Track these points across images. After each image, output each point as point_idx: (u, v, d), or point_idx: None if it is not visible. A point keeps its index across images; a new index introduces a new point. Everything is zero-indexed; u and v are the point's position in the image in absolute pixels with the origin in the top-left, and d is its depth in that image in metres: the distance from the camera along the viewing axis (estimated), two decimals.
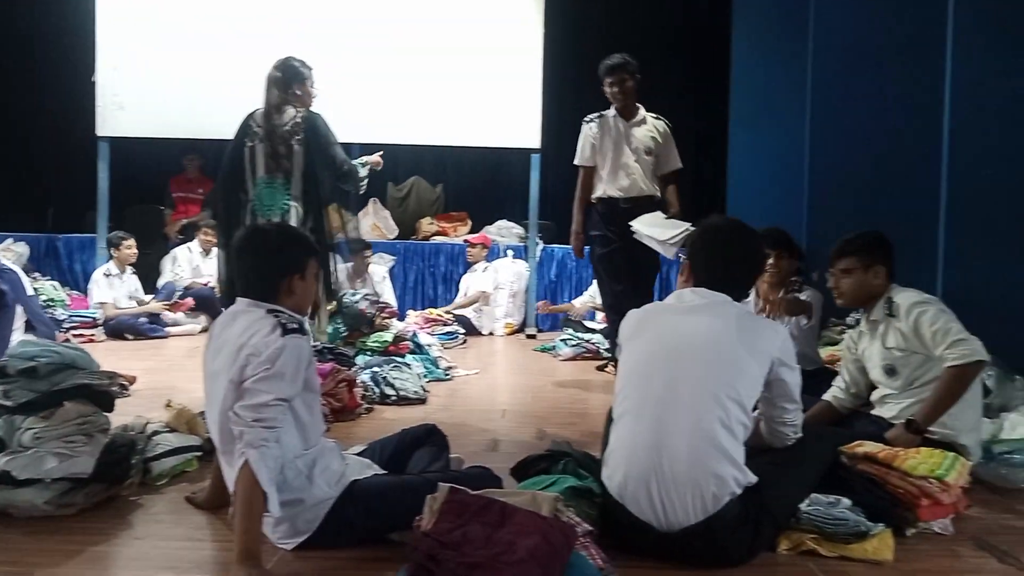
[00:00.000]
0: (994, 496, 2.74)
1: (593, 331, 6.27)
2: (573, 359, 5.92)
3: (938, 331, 2.70)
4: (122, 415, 2.97)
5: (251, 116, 3.79)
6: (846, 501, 2.22)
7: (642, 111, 4.83)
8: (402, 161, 8.72)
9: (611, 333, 4.94)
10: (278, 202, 3.70)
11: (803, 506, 2.20)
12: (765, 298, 3.73)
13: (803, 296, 3.76)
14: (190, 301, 6.73)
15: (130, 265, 6.78)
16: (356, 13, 6.94)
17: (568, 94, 8.71)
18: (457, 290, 7.33)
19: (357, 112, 6.76)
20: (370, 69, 6.83)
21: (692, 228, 4.13)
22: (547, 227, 7.99)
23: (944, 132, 3.87)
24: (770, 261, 3.71)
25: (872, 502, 2.27)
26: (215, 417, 2.14)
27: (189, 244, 7.25)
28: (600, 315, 6.74)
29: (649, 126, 4.79)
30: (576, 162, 4.88)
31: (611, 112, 4.82)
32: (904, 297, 2.85)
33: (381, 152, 4.37)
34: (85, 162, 7.28)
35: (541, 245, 7.59)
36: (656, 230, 4.40)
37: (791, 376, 2.20)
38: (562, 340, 6.16)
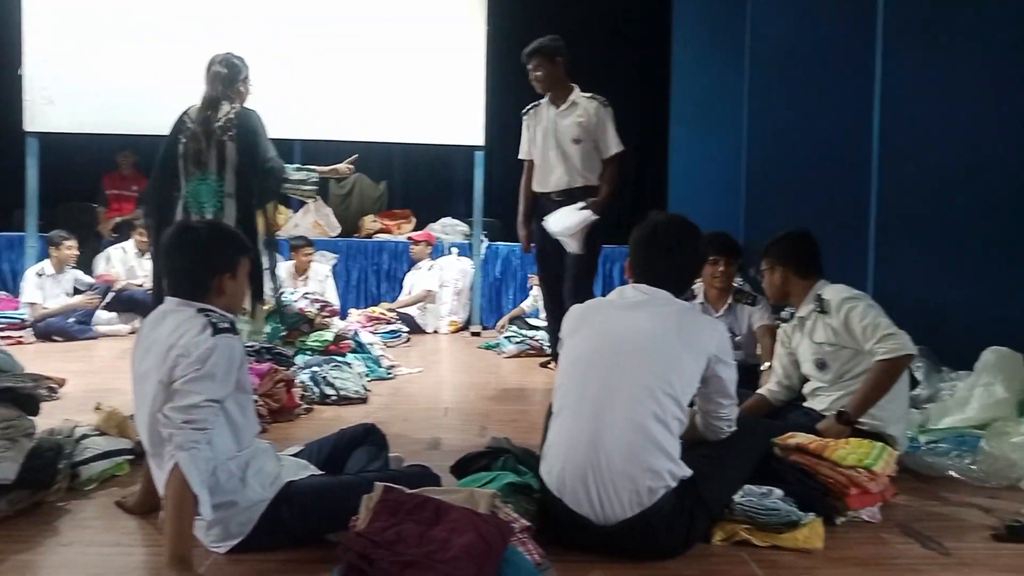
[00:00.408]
0: (920, 484, 2.84)
1: (537, 328, 6.30)
2: (517, 356, 5.93)
3: (868, 326, 2.78)
4: (50, 418, 2.88)
5: (187, 112, 3.73)
6: (778, 492, 2.27)
7: (574, 95, 4.45)
8: (345, 158, 8.61)
9: (552, 330, 4.76)
10: (212, 199, 3.66)
11: (737, 497, 2.24)
12: (715, 305, 3.81)
13: (764, 316, 3.80)
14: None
15: (69, 266, 6.58)
16: (298, 8, 6.84)
17: (512, 91, 8.71)
18: (401, 288, 7.28)
19: (300, 109, 6.67)
20: (312, 65, 6.74)
21: (595, 218, 4.27)
22: (492, 224, 7.99)
23: (874, 134, 3.99)
24: (720, 268, 3.78)
25: (803, 492, 2.32)
26: (144, 419, 2.09)
27: (123, 244, 7.05)
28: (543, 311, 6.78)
29: (579, 110, 4.42)
30: (520, 156, 4.80)
31: (544, 100, 4.56)
32: (833, 293, 2.93)
33: (352, 160, 4.33)
34: (13, 158, 7.02)
35: (486, 243, 7.59)
36: (560, 224, 4.31)
37: (727, 372, 2.24)
38: (506, 338, 6.17)
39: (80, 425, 2.85)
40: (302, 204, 7.81)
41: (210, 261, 2.16)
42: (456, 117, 6.97)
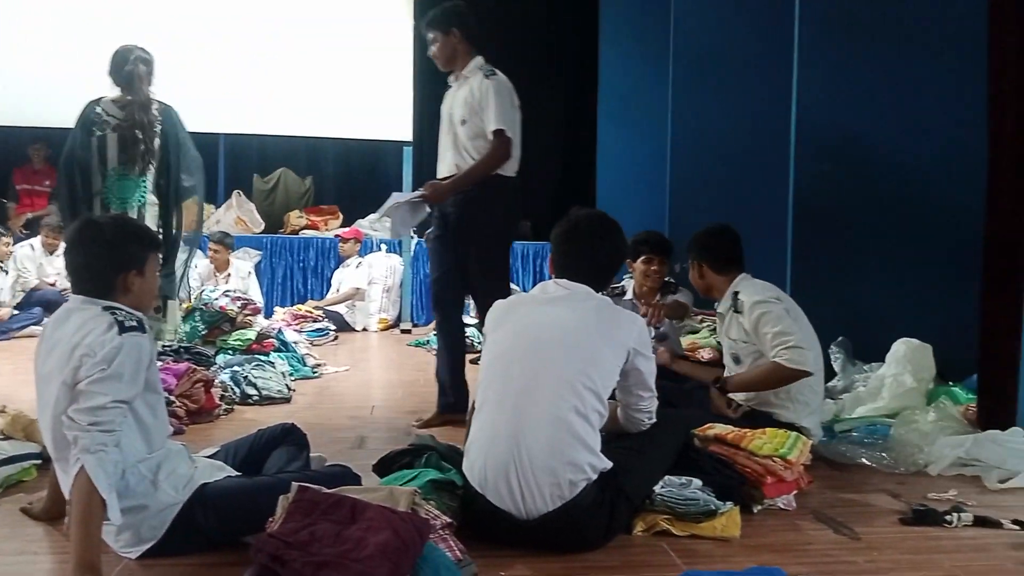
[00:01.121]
0: (834, 472, 2.93)
1: (468, 325, 6.28)
2: None
3: (776, 335, 2.83)
4: None
5: (97, 103, 3.65)
6: (697, 482, 2.31)
7: (468, 69, 3.70)
8: (270, 152, 8.46)
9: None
10: (134, 195, 3.65)
11: (657, 488, 2.27)
12: (647, 302, 3.86)
13: (680, 297, 3.91)
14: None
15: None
16: (226, 2, 6.68)
17: (441, 87, 8.69)
18: (329, 285, 7.17)
19: (225, 103, 6.52)
20: (239, 59, 6.61)
21: (401, 201, 3.59)
22: (421, 222, 7.93)
23: (791, 132, 4.11)
24: (653, 267, 3.86)
25: (721, 481, 2.37)
26: (48, 423, 2.00)
27: (32, 241, 6.74)
28: (473, 309, 6.76)
29: (471, 85, 3.64)
30: None
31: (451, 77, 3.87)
32: (749, 293, 2.98)
33: None
34: None
35: (415, 239, 7.54)
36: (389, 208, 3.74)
37: (647, 365, 2.27)
38: (435, 334, 6.13)
39: None
40: (225, 199, 7.64)
41: (114, 258, 2.08)
42: (385, 112, 6.92)
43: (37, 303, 6.32)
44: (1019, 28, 3.19)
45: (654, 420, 2.36)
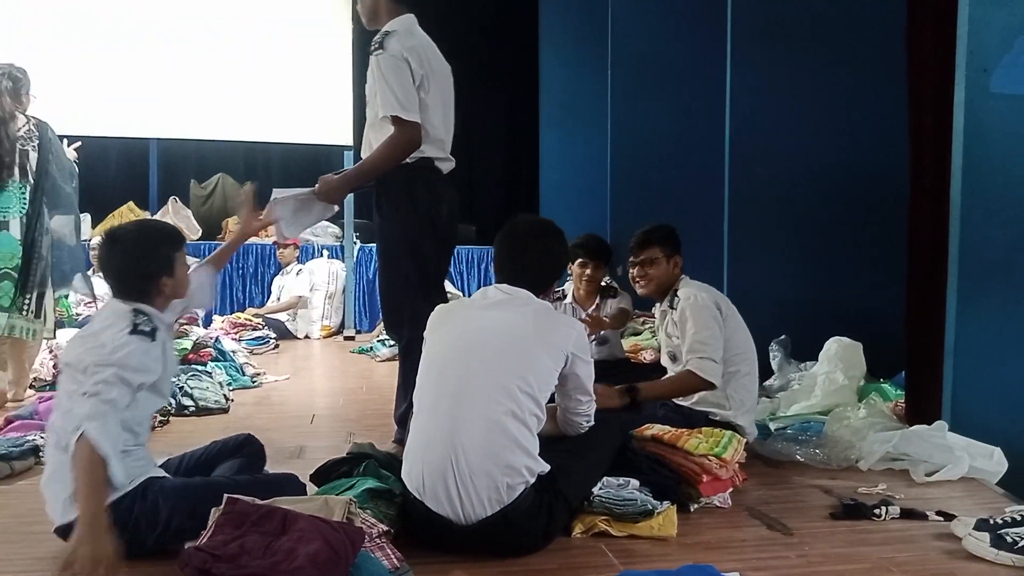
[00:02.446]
0: (769, 469, 2.99)
1: None
2: (391, 360, 5.85)
3: (696, 342, 2.90)
4: None
5: None
6: (634, 482, 2.34)
7: (385, 30, 2.98)
8: (207, 158, 8.30)
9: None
10: (16, 203, 3.94)
11: (595, 490, 2.29)
12: (586, 309, 3.89)
13: (621, 302, 3.94)
14: None
15: None
16: (160, 6, 6.53)
17: None
18: (269, 292, 7.06)
19: (157, 106, 6.37)
20: (172, 62, 6.45)
21: (281, 197, 2.95)
22: (364, 226, 7.86)
23: (726, 136, 4.20)
24: (587, 271, 3.89)
25: (658, 481, 2.40)
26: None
27: None
28: None
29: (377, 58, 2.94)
30: None
31: None
32: (685, 292, 3.03)
33: (77, 145, 4.55)
34: None
35: (358, 244, 7.47)
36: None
37: (584, 369, 2.28)
38: (380, 341, 6.09)
39: None
40: (160, 206, 7.47)
41: (145, 268, 2.17)
42: (324, 116, 6.84)
43: None
44: (935, 32, 3.31)
45: (592, 423, 2.38)
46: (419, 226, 2.95)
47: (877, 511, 2.42)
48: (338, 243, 7.47)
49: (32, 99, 4.12)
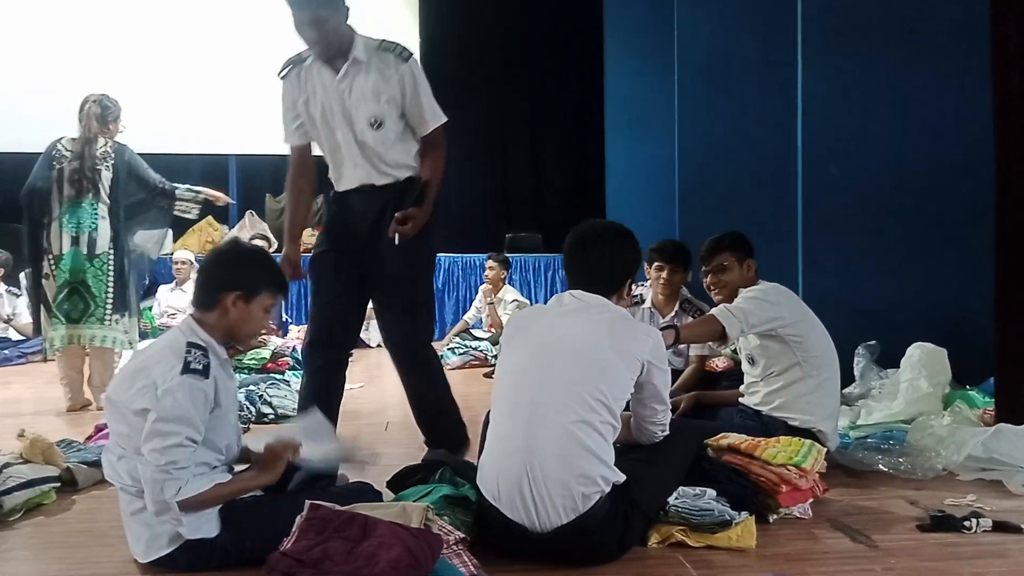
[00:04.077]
0: (850, 479, 2.91)
1: (480, 339, 6.30)
2: (461, 367, 5.92)
3: (739, 299, 2.92)
4: None
5: (58, 141, 4.31)
6: (711, 492, 2.31)
7: (359, 48, 2.84)
8: (282, 172, 8.51)
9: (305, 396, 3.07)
10: (88, 219, 4.24)
11: (671, 499, 2.27)
12: (662, 311, 3.85)
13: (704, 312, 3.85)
14: None
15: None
16: (238, 27, 6.76)
17: (447, 102, 8.73)
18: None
19: (235, 124, 6.60)
20: (249, 81, 6.67)
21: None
22: None
23: (797, 138, 4.11)
24: (663, 275, 3.85)
25: (735, 491, 2.36)
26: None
27: None
28: (487, 322, 6.78)
29: (375, 71, 2.83)
30: (285, 140, 3.11)
31: (309, 57, 2.90)
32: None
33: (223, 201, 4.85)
34: None
35: None
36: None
37: (661, 378, 2.25)
38: (449, 349, 6.16)
39: (3, 453, 2.75)
40: (238, 220, 7.72)
41: (223, 273, 2.16)
42: None
43: None
44: (1021, 27, 3.18)
45: (667, 433, 2.35)
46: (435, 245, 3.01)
47: (967, 523, 2.33)
48: None
49: (121, 130, 4.41)
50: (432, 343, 3.08)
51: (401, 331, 2.94)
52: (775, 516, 2.44)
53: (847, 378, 3.83)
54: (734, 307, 2.87)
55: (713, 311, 2.91)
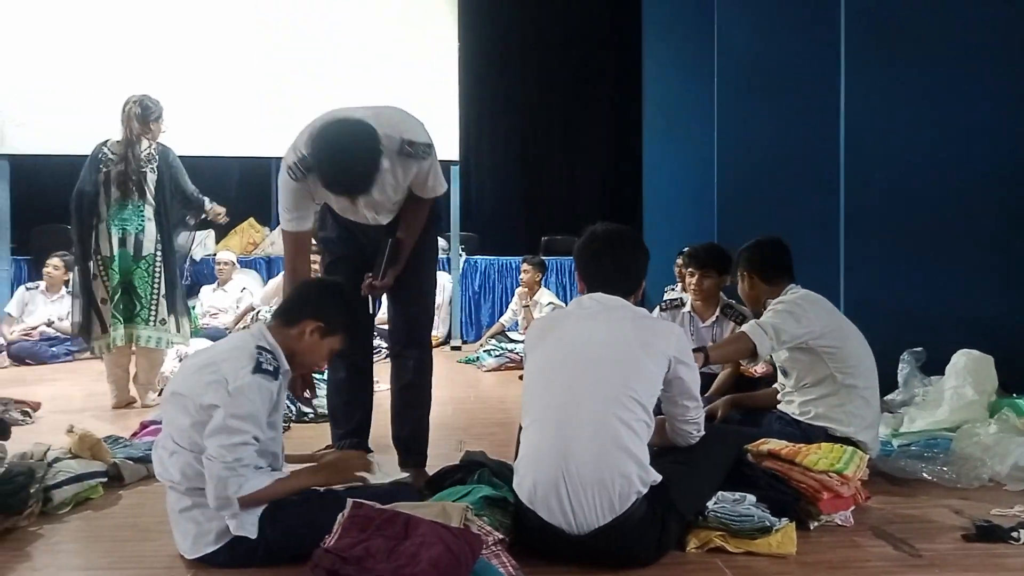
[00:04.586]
0: (893, 487, 2.86)
1: (517, 341, 6.31)
2: (497, 369, 5.95)
3: (770, 313, 2.90)
4: (22, 443, 2.86)
5: (104, 144, 4.38)
6: (751, 498, 2.29)
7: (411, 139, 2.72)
8: None
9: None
10: (134, 221, 4.33)
11: (710, 504, 2.26)
12: (701, 316, 3.83)
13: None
14: None
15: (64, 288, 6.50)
16: (281, 29, 6.86)
17: (485, 105, 8.78)
18: (381, 303, 7.26)
19: (276, 128, 6.68)
20: (285, 82, 6.76)
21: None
22: (469, 239, 8.02)
23: (840, 141, 4.06)
24: (694, 280, 3.83)
25: (776, 497, 2.34)
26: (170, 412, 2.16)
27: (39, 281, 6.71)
28: (523, 324, 6.79)
29: (397, 172, 2.72)
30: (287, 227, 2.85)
31: None
32: (784, 296, 2.97)
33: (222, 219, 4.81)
34: None
35: (464, 257, 7.61)
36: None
37: (689, 374, 2.25)
38: (486, 351, 6.18)
39: (52, 448, 2.83)
40: (279, 222, 7.82)
41: (317, 304, 2.26)
42: (430, 132, 6.99)
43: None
44: None
45: (703, 432, 2.34)
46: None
47: (1015, 534, 2.29)
48: (444, 255, 7.62)
49: (163, 130, 4.46)
50: (431, 333, 3.15)
51: (409, 317, 3.00)
52: (816, 523, 2.41)
53: (890, 385, 3.77)
54: (765, 323, 2.85)
55: (744, 328, 2.92)
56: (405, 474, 2.55)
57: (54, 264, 6.45)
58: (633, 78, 8.06)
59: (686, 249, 5.36)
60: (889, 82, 3.99)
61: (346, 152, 2.39)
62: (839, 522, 2.45)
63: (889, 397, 3.79)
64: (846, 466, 2.47)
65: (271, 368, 2.10)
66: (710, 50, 5.78)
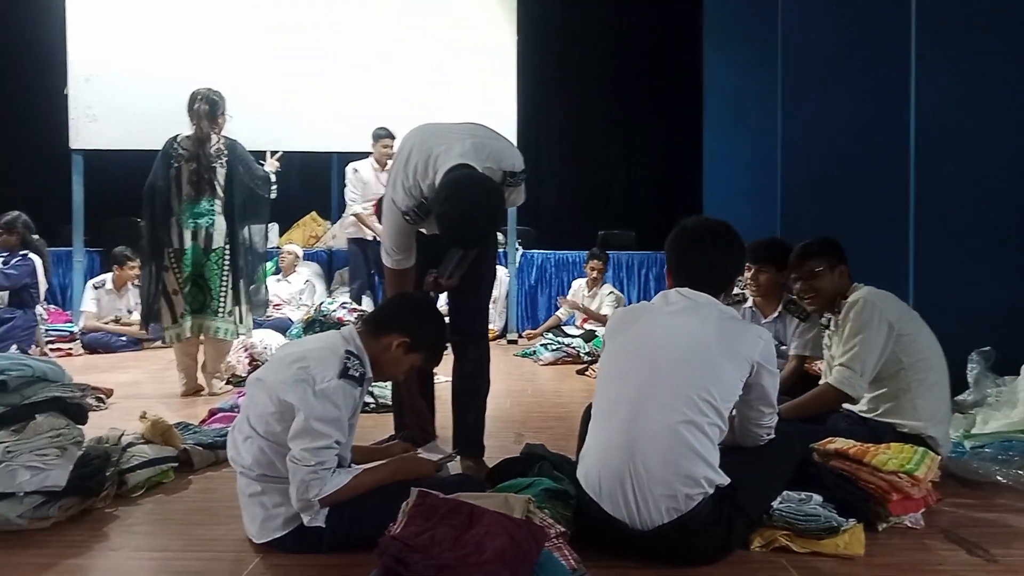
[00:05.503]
0: (966, 489, 2.78)
1: (572, 336, 6.30)
2: (554, 363, 5.95)
3: (848, 349, 2.79)
4: (97, 428, 2.96)
5: (175, 139, 4.47)
6: (817, 497, 2.25)
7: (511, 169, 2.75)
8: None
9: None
10: (205, 216, 4.43)
11: (775, 503, 2.22)
12: (763, 312, 3.75)
13: (808, 332, 3.68)
14: None
15: (132, 283, 6.71)
16: (341, 26, 6.96)
17: (543, 99, 8.76)
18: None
19: (337, 123, 6.80)
20: (349, 81, 6.87)
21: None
22: (526, 233, 8.02)
23: (911, 133, 3.94)
24: (750, 275, 3.75)
25: (843, 497, 2.29)
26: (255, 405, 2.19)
27: (105, 276, 6.91)
28: (580, 318, 6.78)
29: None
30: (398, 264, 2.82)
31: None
32: (854, 297, 2.88)
33: (279, 155, 4.95)
34: (59, 175, 7.24)
35: (520, 250, 7.62)
36: None
37: (770, 381, 2.19)
38: (543, 345, 6.18)
39: (127, 434, 2.92)
40: (339, 215, 7.95)
41: (405, 319, 2.29)
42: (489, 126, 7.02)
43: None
44: None
45: (772, 436, 2.30)
46: None
47: None
48: (501, 249, 7.64)
49: (228, 118, 4.55)
50: (489, 326, 3.21)
51: (471, 311, 3.02)
52: (884, 525, 2.35)
53: (960, 385, 3.65)
54: (849, 362, 2.76)
55: (828, 380, 2.83)
56: (451, 452, 2.65)
57: (129, 264, 6.63)
58: (693, 69, 7.95)
59: (748, 244, 5.25)
60: (963, 70, 3.85)
61: (474, 210, 2.42)
62: (909, 524, 2.38)
63: (960, 397, 3.67)
64: (917, 467, 2.40)
65: (357, 374, 2.13)
66: (773, 38, 5.65)
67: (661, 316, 2.22)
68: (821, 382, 3.09)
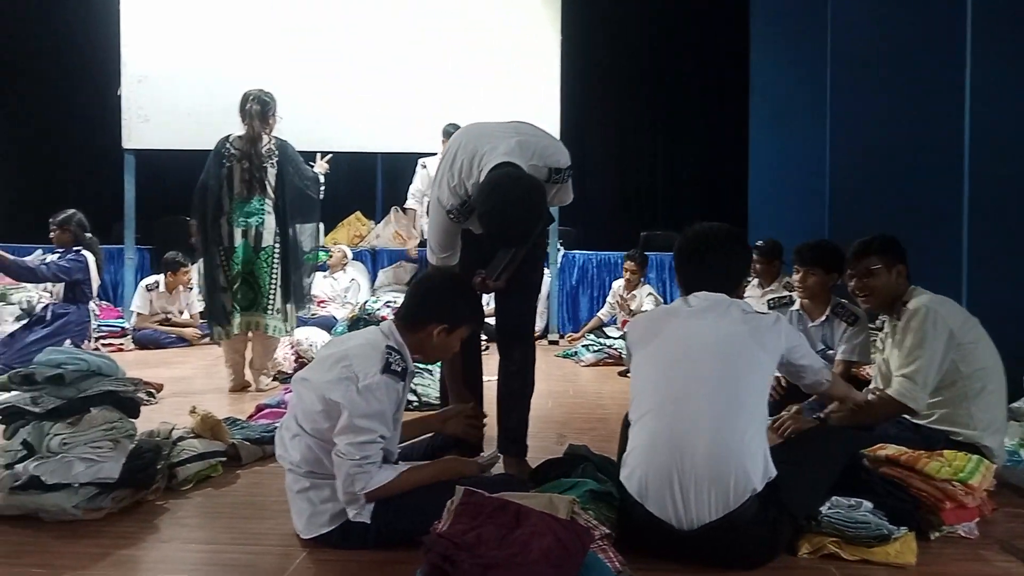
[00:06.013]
0: (1022, 500, 2.70)
1: (614, 337, 6.26)
2: (595, 365, 5.92)
3: (910, 360, 2.72)
4: (148, 422, 3.02)
5: (227, 139, 4.53)
6: (868, 504, 2.21)
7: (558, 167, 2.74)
8: None
9: None
10: (255, 215, 4.50)
11: (824, 509, 2.18)
12: (811, 315, 3.70)
13: (856, 338, 3.61)
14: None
15: (186, 287, 6.84)
16: (388, 27, 7.03)
17: (586, 99, 8.73)
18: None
19: (381, 124, 6.88)
20: (395, 82, 6.93)
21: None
22: (568, 233, 8.00)
23: (965, 132, 3.84)
24: (798, 276, 3.70)
25: (894, 505, 2.25)
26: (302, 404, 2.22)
27: (158, 277, 6.97)
28: (621, 319, 6.74)
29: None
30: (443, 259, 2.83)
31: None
32: (916, 303, 2.80)
33: (328, 157, 5.06)
34: (112, 174, 7.42)
35: (562, 251, 7.60)
36: None
37: (800, 352, 2.32)
38: (584, 346, 6.16)
39: (177, 428, 2.99)
40: (384, 215, 8.04)
41: (435, 307, 2.31)
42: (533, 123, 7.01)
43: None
44: None
45: (829, 375, 2.45)
46: None
47: None
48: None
49: (279, 119, 4.63)
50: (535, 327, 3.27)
51: (518, 312, 3.04)
52: (937, 534, 2.30)
53: (1016, 391, 3.55)
54: (912, 374, 2.70)
55: (890, 392, 2.77)
56: (495, 452, 2.70)
57: (183, 270, 6.76)
58: (739, 68, 7.85)
59: (759, 243, 5.20)
60: (1019, 68, 3.74)
61: (517, 209, 2.43)
62: (963, 534, 2.33)
63: (1016, 405, 3.56)
64: (971, 475, 2.34)
65: (399, 369, 2.16)
66: (823, 34, 5.56)
67: (688, 319, 2.25)
68: (872, 387, 3.04)
